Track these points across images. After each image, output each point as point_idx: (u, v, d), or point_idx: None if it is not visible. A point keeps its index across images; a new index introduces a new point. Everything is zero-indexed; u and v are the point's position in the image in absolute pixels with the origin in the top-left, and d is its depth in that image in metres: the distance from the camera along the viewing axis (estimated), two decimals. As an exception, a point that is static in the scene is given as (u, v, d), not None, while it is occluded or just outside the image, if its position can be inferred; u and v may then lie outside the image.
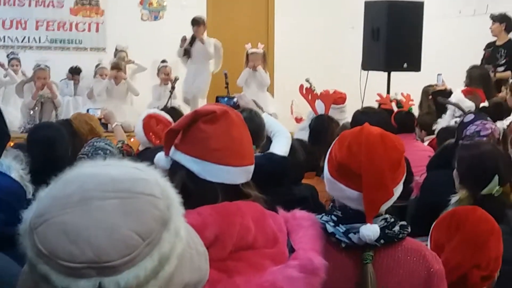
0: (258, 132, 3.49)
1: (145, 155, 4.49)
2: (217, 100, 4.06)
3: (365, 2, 9.00)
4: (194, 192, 1.95)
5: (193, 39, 10.37)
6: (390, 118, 5.78)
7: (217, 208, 1.95)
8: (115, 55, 10.69)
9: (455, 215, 2.70)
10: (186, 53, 10.36)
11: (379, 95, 7.11)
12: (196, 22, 10.35)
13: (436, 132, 6.43)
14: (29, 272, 1.12)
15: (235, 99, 4.00)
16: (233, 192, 2.02)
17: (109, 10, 11.37)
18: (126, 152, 5.08)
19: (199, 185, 1.98)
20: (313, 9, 11.91)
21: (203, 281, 1.26)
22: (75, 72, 10.50)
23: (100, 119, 6.21)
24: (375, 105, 6.95)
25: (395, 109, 6.66)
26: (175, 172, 2.00)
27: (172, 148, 2.08)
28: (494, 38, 9.08)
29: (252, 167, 2.08)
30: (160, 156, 2.13)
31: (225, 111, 2.05)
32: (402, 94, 6.99)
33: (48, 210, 1.09)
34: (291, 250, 2.00)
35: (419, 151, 5.46)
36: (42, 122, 6.80)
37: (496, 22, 8.97)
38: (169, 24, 11.32)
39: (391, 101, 7.08)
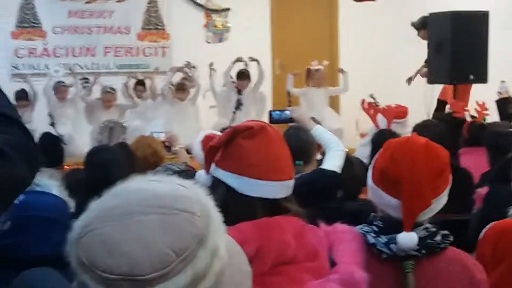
0: (304, 148, 3.47)
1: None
2: (270, 113, 4.03)
3: (429, 14, 8.91)
4: (233, 207, 1.96)
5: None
6: (451, 131, 5.62)
7: (257, 223, 1.96)
8: (186, 74, 10.74)
9: (503, 238, 2.66)
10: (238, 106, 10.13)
11: (452, 103, 6.96)
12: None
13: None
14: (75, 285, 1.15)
15: (287, 112, 3.95)
16: (272, 207, 2.03)
17: (174, 33, 11.55)
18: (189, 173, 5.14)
19: (238, 201, 2.00)
20: (377, 25, 11.82)
21: None
22: (139, 83, 10.48)
23: (163, 142, 6.28)
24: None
25: (468, 118, 6.50)
26: (216, 189, 2.02)
27: (213, 165, 2.11)
28: None
29: (291, 182, 2.08)
30: (200, 174, 2.16)
31: (262, 127, 2.07)
32: (477, 103, 6.85)
33: (93, 221, 1.12)
34: (332, 263, 2.00)
35: (487, 167, 5.31)
36: (99, 145, 6.91)
37: (420, 30, 9.03)
38: (233, 46, 11.40)
39: (465, 110, 6.94)
